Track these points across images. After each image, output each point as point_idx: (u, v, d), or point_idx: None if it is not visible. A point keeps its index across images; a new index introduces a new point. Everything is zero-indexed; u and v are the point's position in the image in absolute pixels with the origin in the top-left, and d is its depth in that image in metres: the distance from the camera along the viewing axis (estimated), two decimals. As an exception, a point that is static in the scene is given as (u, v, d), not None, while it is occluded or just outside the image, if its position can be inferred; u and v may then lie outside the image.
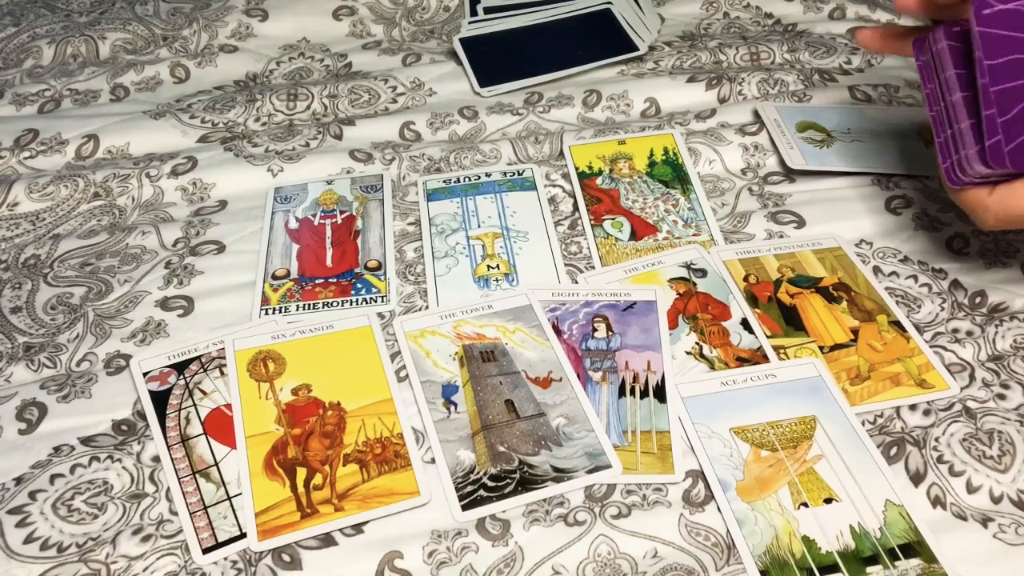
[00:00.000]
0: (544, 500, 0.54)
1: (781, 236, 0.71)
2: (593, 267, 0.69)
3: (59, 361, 0.63)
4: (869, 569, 0.49)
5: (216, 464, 0.56)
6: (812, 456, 0.55)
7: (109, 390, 0.61)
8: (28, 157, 0.82)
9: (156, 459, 0.57)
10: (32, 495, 0.55)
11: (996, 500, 0.53)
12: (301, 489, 0.54)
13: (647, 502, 0.53)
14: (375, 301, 0.67)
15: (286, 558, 0.51)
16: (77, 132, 0.83)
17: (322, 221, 0.75)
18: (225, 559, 0.51)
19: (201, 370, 0.62)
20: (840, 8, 0.98)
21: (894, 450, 0.55)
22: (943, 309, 0.64)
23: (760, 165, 0.78)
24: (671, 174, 0.77)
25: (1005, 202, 0.56)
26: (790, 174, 0.76)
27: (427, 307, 0.67)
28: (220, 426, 0.58)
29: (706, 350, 0.62)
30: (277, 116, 0.86)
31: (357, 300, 0.67)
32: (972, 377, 0.60)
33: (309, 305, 0.67)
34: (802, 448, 0.55)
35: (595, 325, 0.64)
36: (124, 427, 0.59)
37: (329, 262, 0.71)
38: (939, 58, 0.59)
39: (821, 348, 0.62)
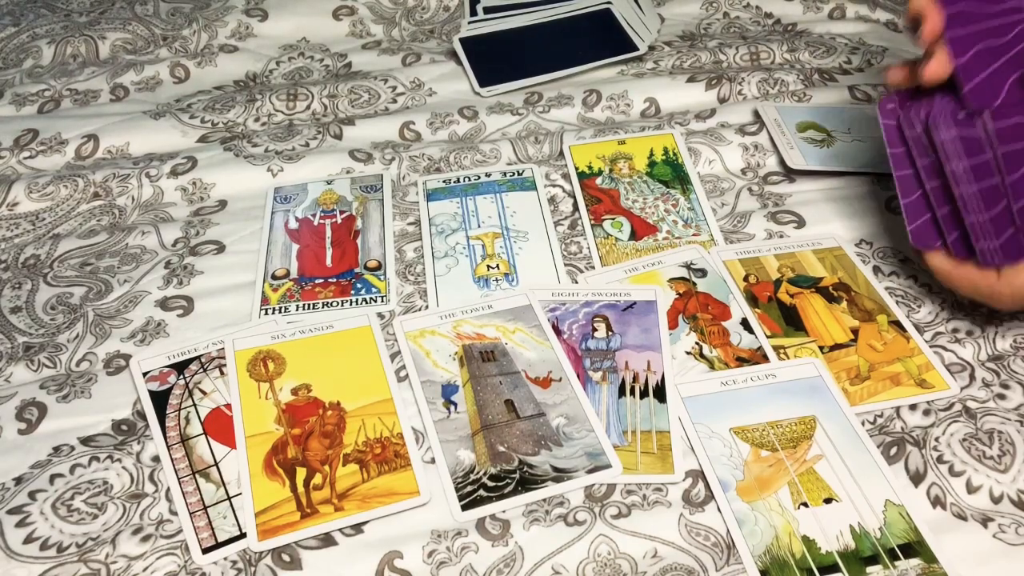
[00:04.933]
0: (544, 500, 0.54)
1: (781, 236, 0.71)
2: (593, 267, 0.69)
3: (59, 361, 0.63)
4: (869, 569, 0.49)
5: (216, 464, 0.56)
6: (812, 456, 0.55)
7: (109, 390, 0.61)
8: (28, 157, 0.82)
9: (156, 459, 0.57)
10: (32, 495, 0.55)
11: (996, 500, 0.53)
12: (301, 489, 0.54)
13: (647, 502, 0.53)
14: (375, 301, 0.67)
15: (286, 558, 0.51)
16: (77, 132, 0.83)
17: (322, 221, 0.75)
18: (225, 559, 0.51)
19: (201, 370, 0.62)
20: (840, 8, 0.98)
21: (894, 450, 0.55)
22: (943, 309, 0.64)
23: (760, 165, 0.78)
24: (671, 174, 0.77)
25: (1015, 283, 0.56)
26: (790, 174, 0.76)
27: (427, 307, 0.67)
28: (220, 426, 0.58)
29: (706, 350, 0.62)
30: (277, 116, 0.86)
31: (357, 300, 0.67)
32: (972, 377, 0.59)
33: (309, 305, 0.67)
34: (802, 448, 0.55)
35: (595, 325, 0.64)
36: (124, 427, 0.59)
37: (329, 262, 0.71)
38: (945, 148, 0.56)
39: (821, 348, 0.62)
